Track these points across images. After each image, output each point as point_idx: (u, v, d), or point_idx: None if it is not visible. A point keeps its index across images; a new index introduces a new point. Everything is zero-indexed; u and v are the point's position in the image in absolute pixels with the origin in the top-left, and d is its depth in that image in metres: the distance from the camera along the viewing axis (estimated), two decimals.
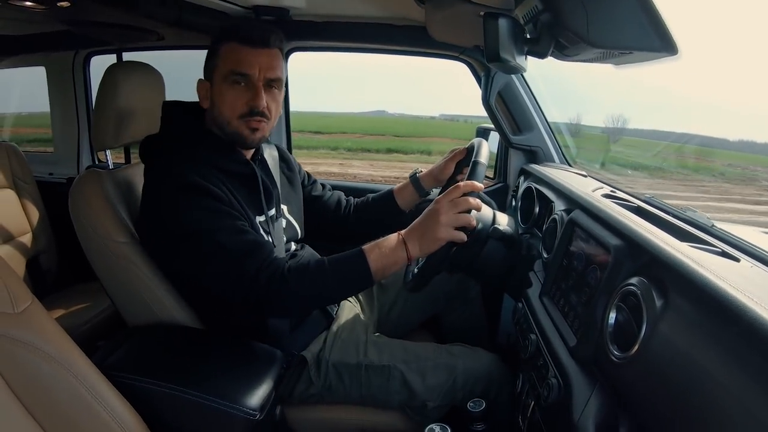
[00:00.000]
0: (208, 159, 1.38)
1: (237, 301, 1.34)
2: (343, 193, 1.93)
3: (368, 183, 3.05)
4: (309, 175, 1.89)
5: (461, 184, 1.35)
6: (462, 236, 1.32)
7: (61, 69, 2.89)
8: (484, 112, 2.13)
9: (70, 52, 2.83)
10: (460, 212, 1.31)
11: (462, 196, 1.32)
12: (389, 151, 20.25)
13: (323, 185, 1.91)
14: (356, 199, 1.91)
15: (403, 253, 1.31)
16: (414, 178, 1.81)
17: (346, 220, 1.86)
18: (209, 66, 1.42)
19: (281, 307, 1.35)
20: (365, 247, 1.33)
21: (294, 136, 2.70)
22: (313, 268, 1.30)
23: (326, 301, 1.49)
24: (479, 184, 1.37)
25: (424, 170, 1.82)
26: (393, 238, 1.34)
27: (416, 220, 1.36)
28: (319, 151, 19.42)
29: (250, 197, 1.44)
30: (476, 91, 2.16)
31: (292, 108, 2.66)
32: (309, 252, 1.70)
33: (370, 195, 1.89)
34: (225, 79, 1.38)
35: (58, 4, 1.81)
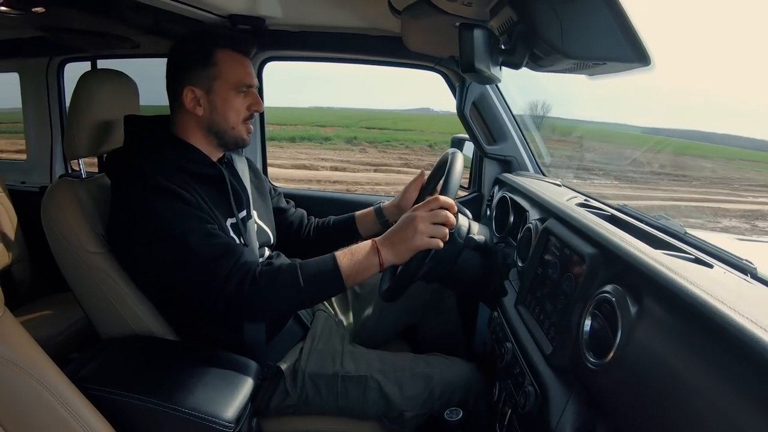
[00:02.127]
0: (176, 163, 1.38)
1: (208, 306, 1.32)
2: (305, 212, 1.94)
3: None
4: (275, 187, 1.92)
5: (439, 197, 1.35)
6: (438, 243, 1.32)
7: (34, 75, 2.85)
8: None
9: (44, 59, 2.80)
10: (436, 223, 1.32)
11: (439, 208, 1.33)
12: None
13: (287, 200, 1.93)
14: (317, 219, 1.93)
15: (376, 259, 1.31)
16: (377, 208, 1.84)
17: (307, 240, 1.88)
18: (203, 74, 1.42)
19: (252, 311, 1.33)
20: (338, 252, 1.33)
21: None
22: (285, 272, 1.29)
23: (298, 306, 1.46)
24: (453, 203, 1.37)
25: (387, 201, 1.85)
26: (367, 244, 1.34)
27: (392, 228, 1.36)
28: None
29: (219, 200, 1.44)
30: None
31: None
32: (284, 261, 1.69)
33: (332, 218, 1.92)
34: (233, 89, 1.44)
35: (33, 10, 1.78)
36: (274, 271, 1.30)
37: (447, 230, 1.33)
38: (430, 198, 1.36)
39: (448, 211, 1.34)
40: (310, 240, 1.88)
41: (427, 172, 1.80)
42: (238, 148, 1.55)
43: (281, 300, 1.31)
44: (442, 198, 1.35)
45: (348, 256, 1.32)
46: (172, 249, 1.27)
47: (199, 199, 1.35)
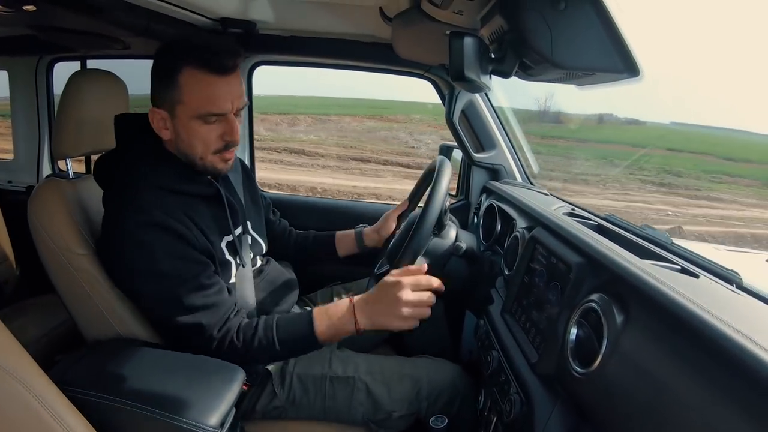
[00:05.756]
0: (172, 185, 1.33)
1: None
2: (287, 223, 1.95)
3: (354, 201, 3.01)
4: (264, 196, 1.90)
5: (424, 270, 1.30)
6: (423, 314, 1.27)
7: (24, 74, 2.83)
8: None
9: (33, 58, 2.78)
10: (421, 290, 1.27)
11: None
12: None
13: (274, 211, 1.93)
14: (298, 233, 1.93)
15: (352, 326, 1.30)
16: (358, 231, 1.86)
17: (286, 251, 1.89)
18: (166, 96, 1.28)
19: (231, 361, 1.31)
20: (316, 312, 1.33)
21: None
22: (261, 333, 1.31)
23: (273, 361, 1.48)
24: (438, 282, 1.30)
25: (368, 228, 1.88)
26: (345, 308, 1.32)
27: (373, 292, 1.32)
28: None
29: (216, 219, 1.41)
30: None
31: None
32: (274, 267, 1.69)
33: (312, 233, 1.92)
34: (196, 117, 1.28)
35: (24, 8, 1.77)
36: (251, 334, 1.31)
37: (432, 299, 1.28)
38: (419, 276, 1.29)
39: (430, 277, 1.29)
40: (289, 251, 1.90)
41: (415, 205, 1.84)
42: (214, 177, 1.43)
43: (256, 360, 1.35)
44: (425, 277, 1.29)
45: (325, 320, 1.31)
46: (163, 290, 1.27)
47: (195, 230, 1.31)
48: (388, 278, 1.29)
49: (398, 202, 1.86)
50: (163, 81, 1.28)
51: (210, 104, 1.26)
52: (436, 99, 2.30)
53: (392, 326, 1.27)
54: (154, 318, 1.37)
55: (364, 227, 1.87)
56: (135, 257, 1.27)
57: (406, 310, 1.25)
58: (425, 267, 1.30)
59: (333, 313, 1.31)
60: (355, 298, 1.33)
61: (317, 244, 1.90)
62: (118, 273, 1.34)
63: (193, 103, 1.26)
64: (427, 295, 1.27)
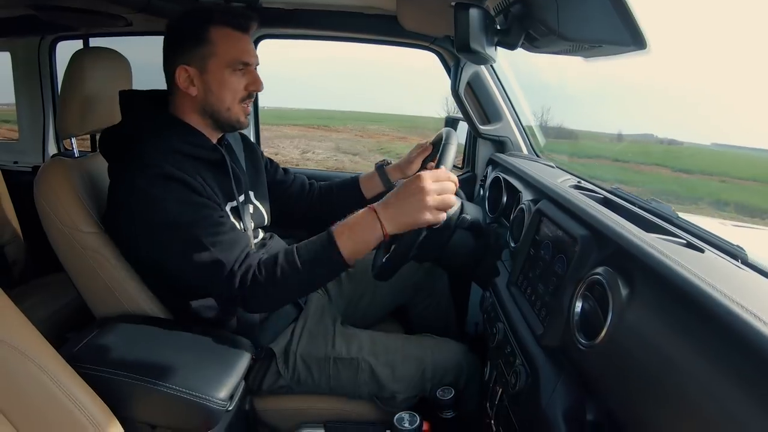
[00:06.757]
0: (178, 147, 1.35)
1: (213, 296, 1.37)
2: (306, 178, 1.92)
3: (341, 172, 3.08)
4: (271, 160, 1.87)
5: (448, 172, 1.31)
6: (442, 217, 1.28)
7: (26, 55, 2.82)
8: None
9: (35, 38, 2.76)
10: (444, 194, 1.27)
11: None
12: None
13: (285, 170, 1.90)
14: (320, 183, 1.91)
15: (378, 232, 1.26)
16: (381, 169, 1.82)
17: (310, 205, 1.86)
18: (197, 52, 1.37)
19: (256, 303, 1.33)
20: (335, 229, 1.29)
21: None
22: (283, 262, 1.27)
23: (301, 293, 1.48)
24: (456, 179, 1.32)
25: (393, 162, 1.84)
26: (366, 215, 1.28)
27: (393, 194, 1.30)
28: None
29: (220, 184, 1.42)
30: None
31: None
32: (278, 242, 1.69)
33: (335, 181, 1.89)
34: (228, 67, 1.39)
35: None
36: (272, 262, 1.29)
37: (454, 198, 1.29)
38: (437, 169, 1.31)
39: (448, 172, 1.30)
40: (314, 203, 1.86)
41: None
42: (235, 130, 1.51)
43: (282, 292, 1.31)
44: (450, 173, 1.31)
45: (346, 234, 1.28)
46: (179, 238, 1.27)
47: (204, 185, 1.34)
48: (412, 180, 1.28)
49: None
50: (193, 40, 1.38)
51: (241, 54, 1.40)
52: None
53: (421, 221, 1.25)
54: (172, 269, 1.34)
55: (384, 164, 1.85)
56: (147, 212, 1.28)
57: (431, 199, 1.24)
58: (451, 174, 1.31)
59: (354, 223, 1.29)
60: (375, 204, 1.30)
61: (343, 191, 1.87)
62: (130, 233, 1.36)
63: (226, 54, 1.38)
64: (449, 184, 1.28)
